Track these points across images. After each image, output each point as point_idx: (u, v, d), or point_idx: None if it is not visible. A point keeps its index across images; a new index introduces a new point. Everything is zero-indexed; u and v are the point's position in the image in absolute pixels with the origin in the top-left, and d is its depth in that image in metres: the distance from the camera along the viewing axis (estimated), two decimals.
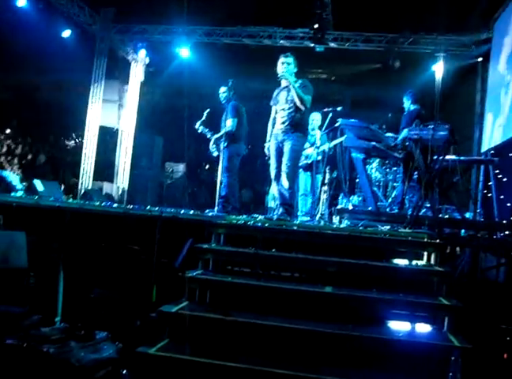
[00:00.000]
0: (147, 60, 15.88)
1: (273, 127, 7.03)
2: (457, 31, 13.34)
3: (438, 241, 5.31)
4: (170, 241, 5.85)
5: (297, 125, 6.80)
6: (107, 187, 14.91)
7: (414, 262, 5.29)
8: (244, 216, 6.98)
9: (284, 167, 6.71)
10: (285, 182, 6.67)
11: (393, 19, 14.70)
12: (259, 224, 5.84)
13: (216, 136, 7.93)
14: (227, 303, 4.81)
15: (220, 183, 7.57)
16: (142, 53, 15.46)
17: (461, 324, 4.46)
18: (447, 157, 7.12)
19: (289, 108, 6.83)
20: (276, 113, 7.04)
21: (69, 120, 23.73)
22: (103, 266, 6.24)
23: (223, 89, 8.04)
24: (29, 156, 20.81)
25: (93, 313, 5.77)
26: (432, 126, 6.67)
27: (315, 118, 8.79)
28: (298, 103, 6.71)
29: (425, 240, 5.37)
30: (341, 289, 4.87)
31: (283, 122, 6.86)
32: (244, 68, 18.66)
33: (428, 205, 7.08)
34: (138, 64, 16.00)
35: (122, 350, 4.70)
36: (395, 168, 9.49)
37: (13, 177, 12.99)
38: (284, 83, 6.94)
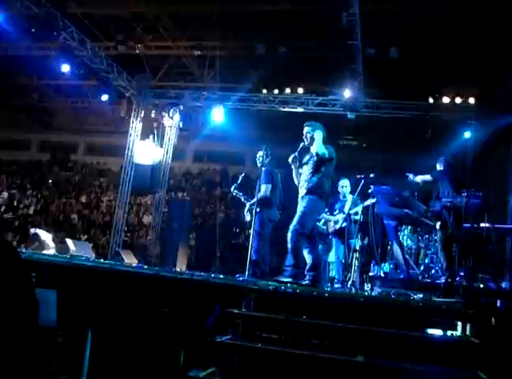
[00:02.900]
0: (181, 124, 16.25)
1: None
2: (488, 99, 13.45)
3: (473, 311, 5.18)
4: (199, 304, 5.81)
5: (313, 188, 6.79)
6: (138, 248, 14.97)
7: (449, 333, 5.15)
8: (274, 282, 6.92)
9: (291, 227, 6.72)
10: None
11: (424, 86, 14.92)
12: (290, 290, 5.78)
13: (251, 202, 7.97)
14: (257, 370, 4.72)
15: (251, 248, 7.54)
16: (176, 117, 15.84)
17: None
18: (481, 225, 7.02)
19: (309, 171, 6.86)
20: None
21: (102, 181, 24.27)
22: (132, 327, 6.20)
23: (260, 153, 8.08)
24: (62, 216, 21.17)
25: (120, 374, 5.71)
26: (465, 194, 6.62)
27: (345, 185, 8.84)
28: (312, 150, 6.77)
29: (459, 310, 5.24)
30: (373, 358, 4.75)
31: (301, 186, 6.90)
32: (276, 133, 19.03)
33: (462, 274, 6.94)
34: (172, 128, 16.36)
35: None
36: (427, 235, 9.38)
37: (46, 235, 13.17)
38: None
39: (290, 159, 7.06)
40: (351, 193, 8.69)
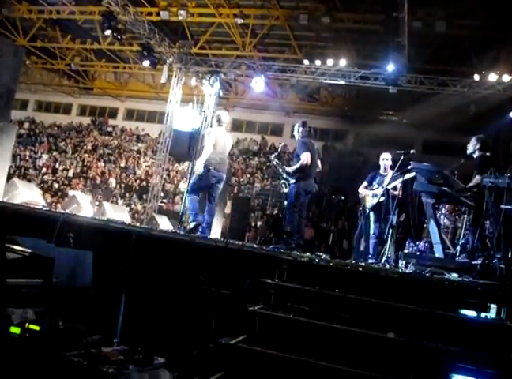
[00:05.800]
0: (220, 92, 16.27)
1: None
2: None
3: (508, 294, 5.09)
4: (233, 273, 5.83)
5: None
6: (172, 214, 15.11)
7: (482, 315, 5.08)
8: (308, 254, 6.91)
9: None
10: None
11: (470, 63, 14.53)
12: (323, 263, 5.77)
13: (289, 169, 7.80)
14: (287, 340, 4.74)
15: (285, 218, 7.50)
16: (216, 85, 15.83)
17: None
18: None
19: None
20: None
21: (141, 146, 24.46)
22: (165, 292, 6.28)
23: (297, 125, 7.96)
24: (100, 179, 21.49)
25: (152, 337, 5.79)
26: (509, 175, 6.44)
27: (386, 158, 8.64)
28: None
29: (495, 292, 5.16)
30: (404, 336, 4.72)
31: None
32: (316, 105, 18.88)
33: (499, 256, 6.81)
34: (212, 96, 16.34)
35: (179, 378, 4.69)
36: (465, 215, 9.21)
37: (84, 198, 13.39)
38: None
39: None
40: (391, 168, 8.51)
